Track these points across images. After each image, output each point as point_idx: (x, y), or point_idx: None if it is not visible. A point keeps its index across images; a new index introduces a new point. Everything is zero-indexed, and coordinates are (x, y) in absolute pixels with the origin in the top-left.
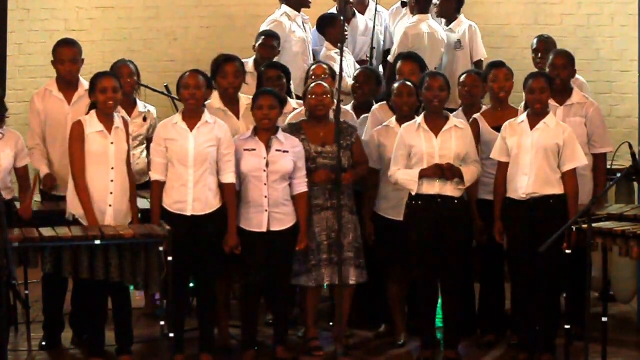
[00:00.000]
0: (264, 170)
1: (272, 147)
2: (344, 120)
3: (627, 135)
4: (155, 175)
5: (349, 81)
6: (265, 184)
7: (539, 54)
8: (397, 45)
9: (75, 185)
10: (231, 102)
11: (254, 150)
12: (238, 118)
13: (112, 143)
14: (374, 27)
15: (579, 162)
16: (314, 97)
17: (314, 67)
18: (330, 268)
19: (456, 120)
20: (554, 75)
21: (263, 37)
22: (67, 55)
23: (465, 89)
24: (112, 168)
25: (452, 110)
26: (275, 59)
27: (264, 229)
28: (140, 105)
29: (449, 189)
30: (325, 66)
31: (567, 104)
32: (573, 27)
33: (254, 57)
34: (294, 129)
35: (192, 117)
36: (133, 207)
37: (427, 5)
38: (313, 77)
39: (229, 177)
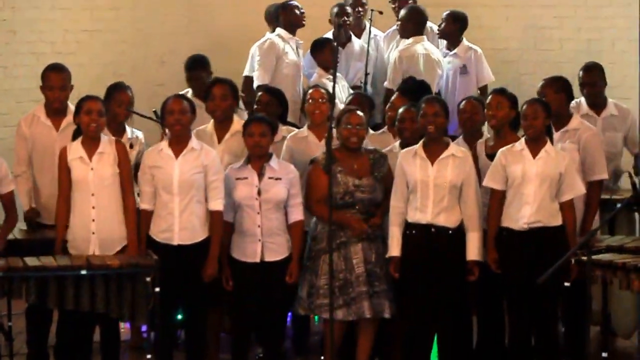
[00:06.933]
0: (256, 199)
1: (265, 175)
2: (375, 148)
3: (627, 163)
4: (142, 204)
5: (341, 107)
6: (258, 213)
7: (585, 89)
8: (391, 69)
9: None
10: (220, 125)
11: (246, 178)
12: (220, 142)
13: (92, 169)
14: (368, 51)
15: (578, 191)
16: (348, 127)
17: (311, 90)
18: (367, 300)
19: (455, 148)
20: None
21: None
22: (55, 81)
23: (466, 115)
24: (93, 194)
25: (453, 138)
26: (268, 81)
27: (257, 260)
28: (129, 132)
29: (442, 219)
30: (323, 90)
31: (563, 130)
32: (573, 52)
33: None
34: (330, 160)
35: (179, 143)
36: (131, 233)
37: (421, 27)
38: (310, 101)
39: (216, 204)
